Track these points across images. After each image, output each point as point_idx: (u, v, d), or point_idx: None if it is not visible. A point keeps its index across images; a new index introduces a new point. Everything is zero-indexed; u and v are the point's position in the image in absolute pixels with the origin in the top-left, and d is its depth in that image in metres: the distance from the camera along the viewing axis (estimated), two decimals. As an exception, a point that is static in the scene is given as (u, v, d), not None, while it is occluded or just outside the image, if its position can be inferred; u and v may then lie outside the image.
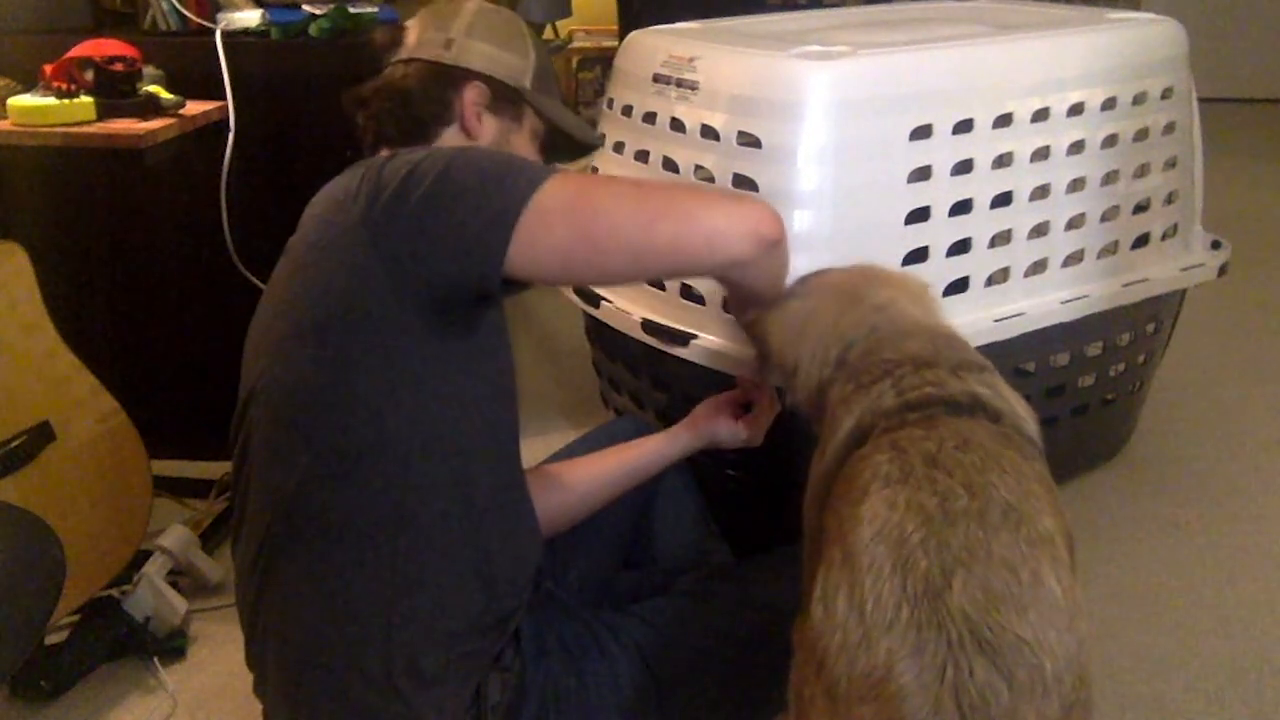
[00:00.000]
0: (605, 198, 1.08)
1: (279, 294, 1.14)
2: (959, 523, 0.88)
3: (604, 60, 4.99)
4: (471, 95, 1.26)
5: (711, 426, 1.46)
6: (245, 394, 1.18)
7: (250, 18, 2.02)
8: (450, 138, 1.27)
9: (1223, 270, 2.05)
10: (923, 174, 1.64)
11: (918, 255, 1.66)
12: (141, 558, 1.78)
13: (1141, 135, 1.89)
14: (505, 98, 1.29)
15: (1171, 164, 1.97)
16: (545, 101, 1.33)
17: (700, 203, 1.08)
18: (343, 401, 1.08)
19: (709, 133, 1.63)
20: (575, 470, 1.43)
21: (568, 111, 1.39)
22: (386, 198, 1.06)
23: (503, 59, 1.29)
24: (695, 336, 1.63)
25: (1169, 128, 1.94)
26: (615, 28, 4.54)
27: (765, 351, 1.27)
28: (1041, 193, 1.77)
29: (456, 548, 1.12)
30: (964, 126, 1.66)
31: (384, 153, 1.26)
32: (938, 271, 1.68)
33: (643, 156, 1.75)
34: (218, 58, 1.94)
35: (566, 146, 1.40)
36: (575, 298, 1.87)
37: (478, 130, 1.27)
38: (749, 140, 1.60)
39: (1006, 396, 1.10)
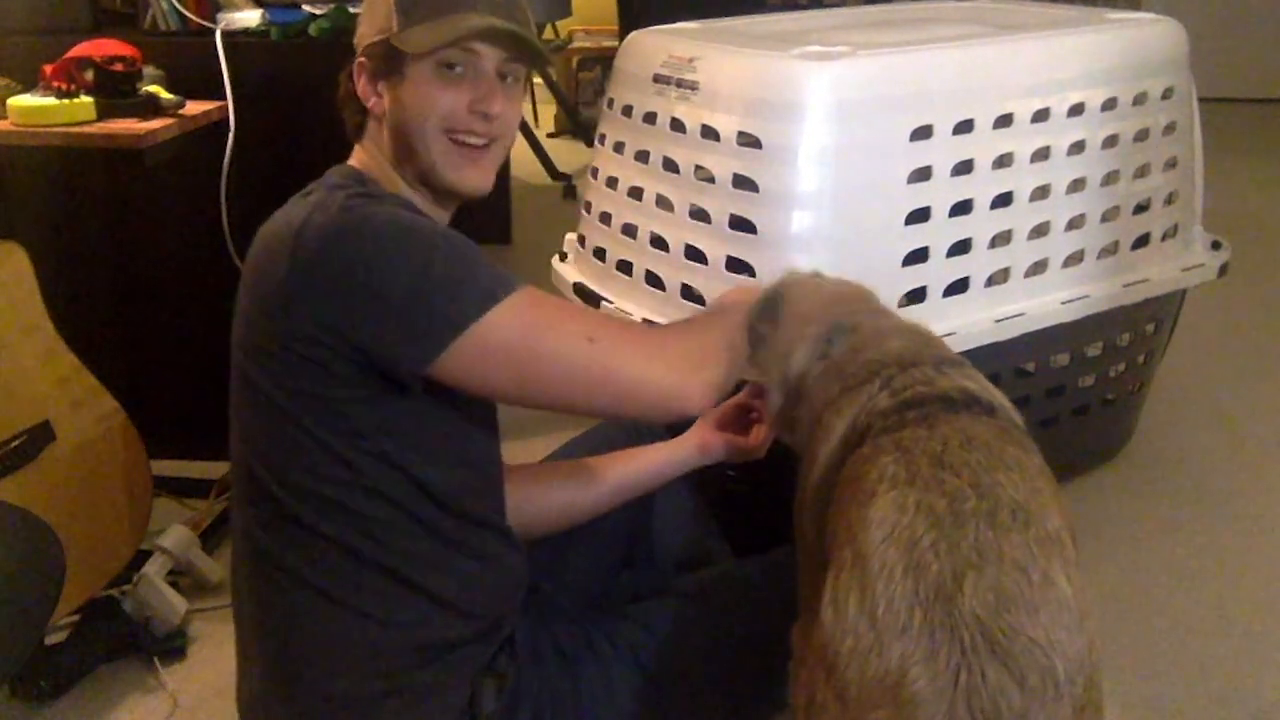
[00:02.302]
0: (551, 347, 1.06)
1: (237, 323, 1.14)
2: (969, 524, 0.87)
3: (604, 60, 5.00)
4: (358, 75, 1.19)
5: (717, 443, 1.42)
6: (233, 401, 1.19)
7: (250, 18, 2.02)
8: (371, 122, 1.20)
9: (1223, 270, 2.05)
10: (923, 174, 1.64)
11: (918, 255, 1.66)
12: (141, 558, 1.78)
13: (1142, 135, 1.89)
14: (382, 56, 1.16)
15: (1172, 164, 1.97)
16: (409, 33, 1.13)
17: (642, 375, 1.08)
18: (298, 449, 1.08)
19: (709, 133, 1.63)
20: (581, 475, 1.41)
21: (450, 21, 1.13)
22: (315, 270, 1.04)
23: (370, 18, 1.19)
24: (695, 337, 1.63)
25: (1169, 128, 1.94)
26: (615, 28, 4.54)
27: (769, 379, 1.24)
28: (1042, 193, 1.77)
29: (423, 582, 1.12)
30: (964, 127, 1.66)
31: (332, 181, 1.19)
32: (938, 272, 1.68)
33: (643, 157, 1.75)
34: (218, 58, 1.94)
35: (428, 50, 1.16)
36: (575, 298, 1.87)
37: (379, 106, 1.18)
38: (749, 140, 1.60)
39: (989, 389, 1.10)
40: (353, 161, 1.23)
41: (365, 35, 1.19)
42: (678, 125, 1.68)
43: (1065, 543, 0.89)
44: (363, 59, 1.18)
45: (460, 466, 1.15)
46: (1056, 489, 0.97)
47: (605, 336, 1.09)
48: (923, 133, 1.63)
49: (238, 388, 1.13)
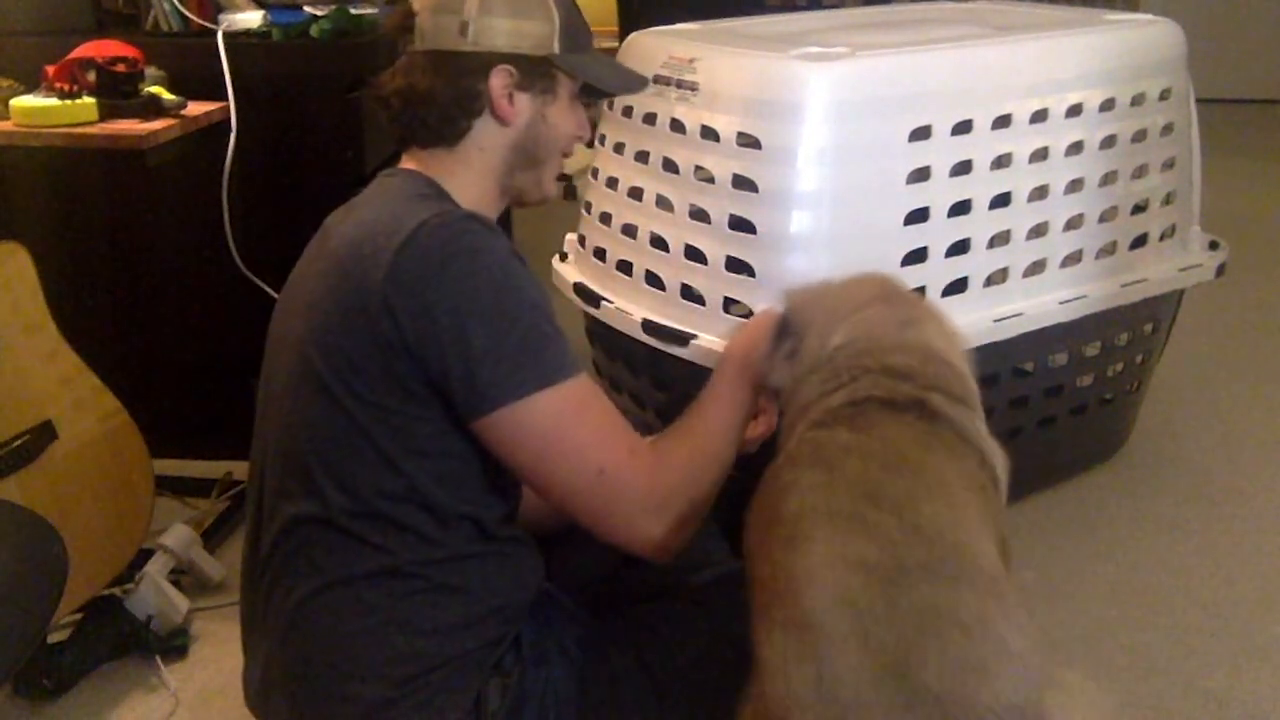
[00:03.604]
0: (566, 462, 1.10)
1: (301, 312, 1.13)
2: (909, 580, 0.85)
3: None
4: (499, 80, 1.19)
5: None
6: (264, 394, 1.18)
7: (252, 19, 2.02)
8: (483, 126, 1.21)
9: (1220, 270, 2.06)
10: (922, 175, 1.65)
11: (917, 256, 1.67)
12: (143, 556, 1.78)
13: (1140, 136, 1.90)
14: (535, 71, 1.21)
15: (1169, 165, 1.97)
16: (577, 61, 1.24)
17: (628, 525, 1.14)
18: (361, 457, 1.09)
19: (709, 133, 1.64)
20: None
21: (603, 63, 1.32)
22: (414, 288, 1.05)
23: (525, 30, 1.20)
24: (695, 336, 1.64)
25: (1167, 128, 1.95)
26: (615, 28, 4.54)
27: (790, 322, 1.21)
28: (1040, 193, 1.78)
29: (455, 593, 1.13)
30: (963, 127, 1.67)
31: (409, 158, 1.24)
32: (936, 272, 1.69)
33: (643, 157, 1.76)
34: (219, 59, 1.95)
35: (608, 92, 1.36)
36: (575, 298, 1.88)
37: (511, 114, 1.20)
38: (749, 141, 1.61)
39: (979, 429, 1.06)
40: (415, 165, 1.23)
41: (513, 45, 1.19)
42: (677, 126, 1.69)
43: (1003, 583, 0.87)
44: (509, 68, 1.19)
45: (507, 490, 1.18)
46: (986, 497, 0.95)
47: (615, 474, 1.12)
48: (921, 133, 1.64)
49: (300, 380, 1.11)
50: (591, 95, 1.34)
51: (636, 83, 1.39)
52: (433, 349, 1.06)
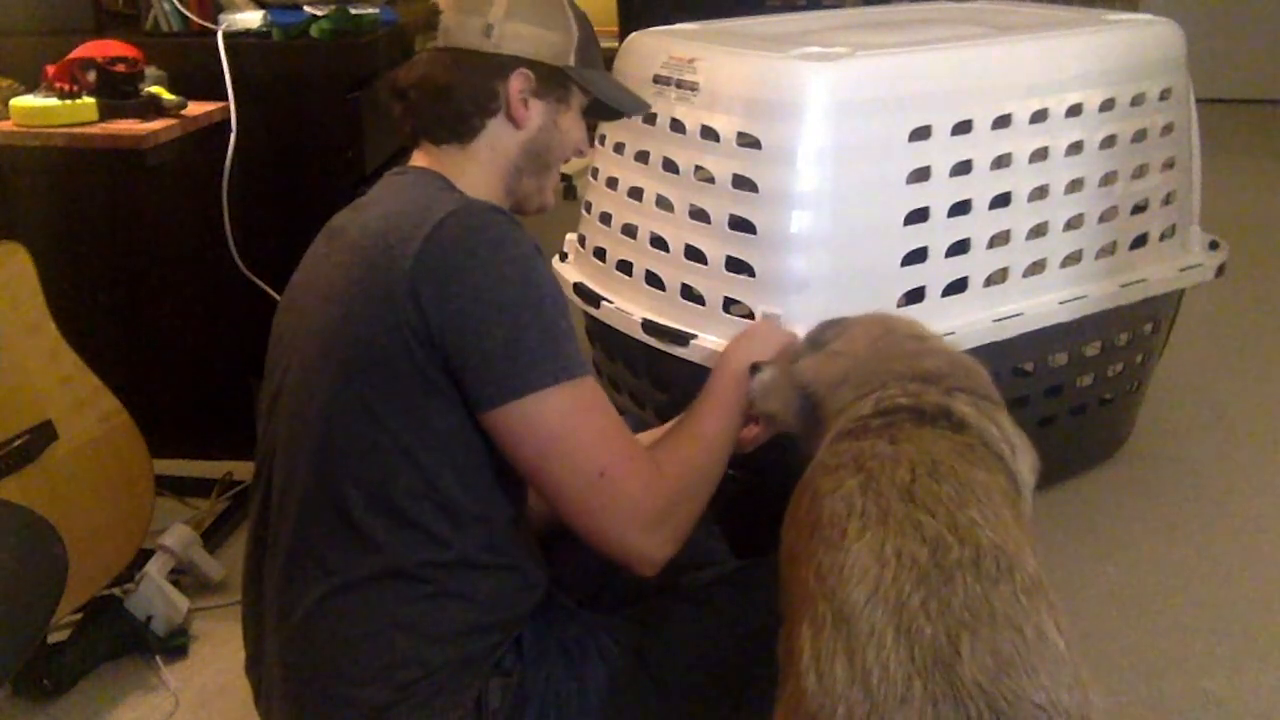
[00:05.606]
0: (569, 460, 1.10)
1: (317, 305, 1.13)
2: (956, 578, 0.85)
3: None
4: (517, 84, 1.22)
5: None
6: (272, 391, 1.18)
7: (252, 19, 2.03)
8: (496, 127, 1.24)
9: (1220, 271, 2.06)
10: (922, 175, 1.65)
11: (917, 256, 1.67)
12: (143, 556, 1.78)
13: (1140, 136, 1.90)
14: (551, 79, 1.25)
15: (1169, 165, 1.97)
16: (591, 76, 1.29)
17: (621, 534, 1.14)
18: (378, 451, 1.09)
19: (709, 134, 1.64)
20: None
21: (614, 83, 1.37)
22: (440, 277, 1.06)
23: (546, 40, 1.24)
24: (695, 336, 1.64)
25: (1167, 128, 1.95)
26: (615, 29, 4.54)
27: (801, 391, 1.23)
28: (1040, 193, 1.78)
29: (463, 597, 1.13)
30: (963, 127, 1.67)
31: (421, 155, 1.25)
32: (936, 272, 1.69)
33: (643, 157, 1.76)
34: (219, 59, 1.95)
35: (612, 113, 1.38)
36: (575, 298, 1.88)
37: (524, 118, 1.24)
38: (749, 141, 1.61)
39: (1004, 427, 1.07)
40: (427, 162, 1.24)
41: (533, 52, 1.23)
42: (677, 126, 1.69)
43: (1046, 587, 0.87)
44: (528, 72, 1.23)
45: (516, 489, 1.18)
46: (1018, 512, 0.95)
47: (615, 477, 1.12)
48: (921, 133, 1.64)
49: (318, 373, 1.11)
50: (597, 115, 1.36)
51: (641, 106, 1.43)
52: (453, 336, 1.06)
